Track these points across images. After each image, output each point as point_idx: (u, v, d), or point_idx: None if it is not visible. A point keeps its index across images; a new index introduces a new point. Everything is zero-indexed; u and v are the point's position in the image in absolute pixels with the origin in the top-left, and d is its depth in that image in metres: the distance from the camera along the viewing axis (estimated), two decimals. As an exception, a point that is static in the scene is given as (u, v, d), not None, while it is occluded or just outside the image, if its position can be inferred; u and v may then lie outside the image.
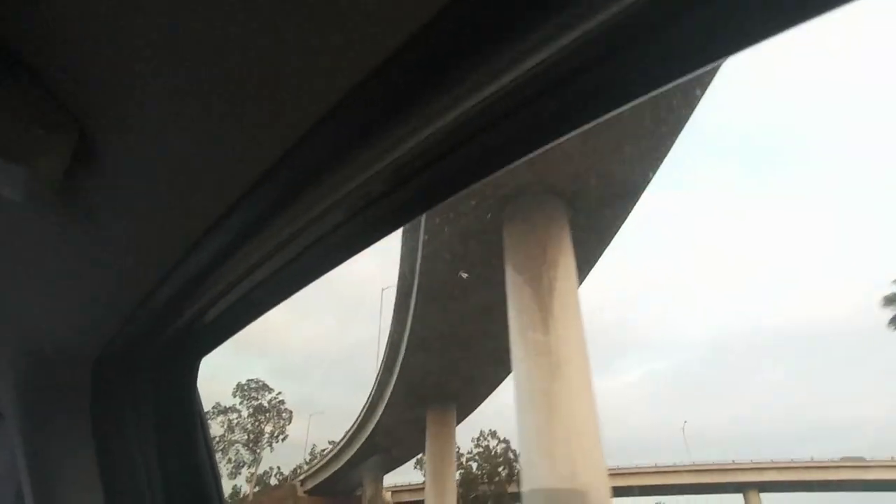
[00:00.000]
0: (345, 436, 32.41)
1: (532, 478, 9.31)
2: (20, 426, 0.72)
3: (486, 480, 34.38)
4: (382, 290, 26.31)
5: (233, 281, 0.63)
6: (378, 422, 24.96)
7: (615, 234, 12.47)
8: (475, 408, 24.52)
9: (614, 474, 35.24)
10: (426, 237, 12.45)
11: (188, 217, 0.54)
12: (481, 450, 36.03)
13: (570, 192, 10.93)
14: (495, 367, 18.10)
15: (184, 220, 0.54)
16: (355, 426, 29.62)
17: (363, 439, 28.72)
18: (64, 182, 0.48)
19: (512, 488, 33.69)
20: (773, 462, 32.74)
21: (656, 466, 34.54)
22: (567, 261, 10.59)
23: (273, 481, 41.41)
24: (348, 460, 31.08)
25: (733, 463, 33.56)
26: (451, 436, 22.10)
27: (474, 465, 35.64)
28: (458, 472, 35.28)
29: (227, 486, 40.71)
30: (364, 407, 27.34)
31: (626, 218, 11.70)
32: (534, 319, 10.10)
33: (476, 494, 34.36)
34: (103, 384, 0.74)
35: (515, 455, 35.06)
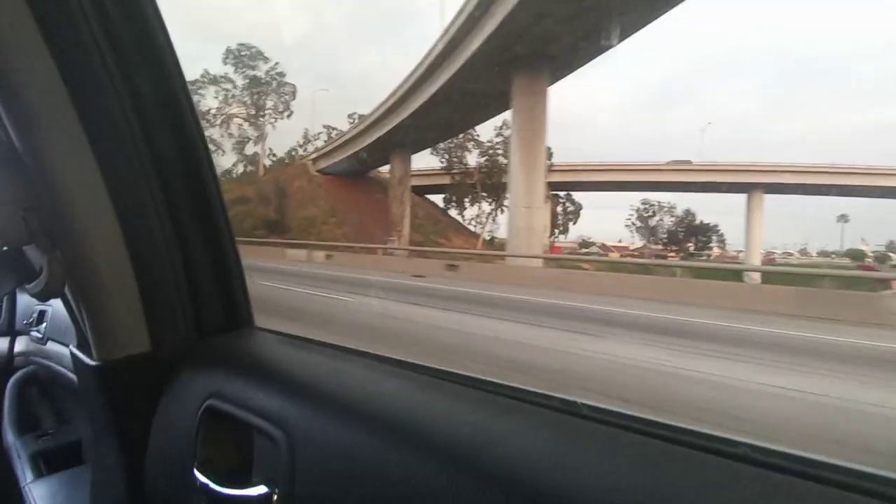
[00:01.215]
0: (371, 115, 29.37)
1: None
2: None
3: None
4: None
5: None
6: (431, 98, 21.63)
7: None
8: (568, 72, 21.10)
9: (626, 169, 36.40)
10: None
11: None
12: (502, 139, 34.60)
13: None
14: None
15: None
16: (391, 103, 26.26)
17: (395, 121, 25.82)
18: None
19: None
20: (778, 165, 33.89)
21: (670, 163, 35.11)
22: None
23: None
24: (375, 141, 28.83)
25: (737, 164, 34.58)
26: (543, 110, 19.22)
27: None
28: (485, 160, 34.61)
29: (228, 162, 38.85)
30: (411, 78, 23.49)
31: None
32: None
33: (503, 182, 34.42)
34: None
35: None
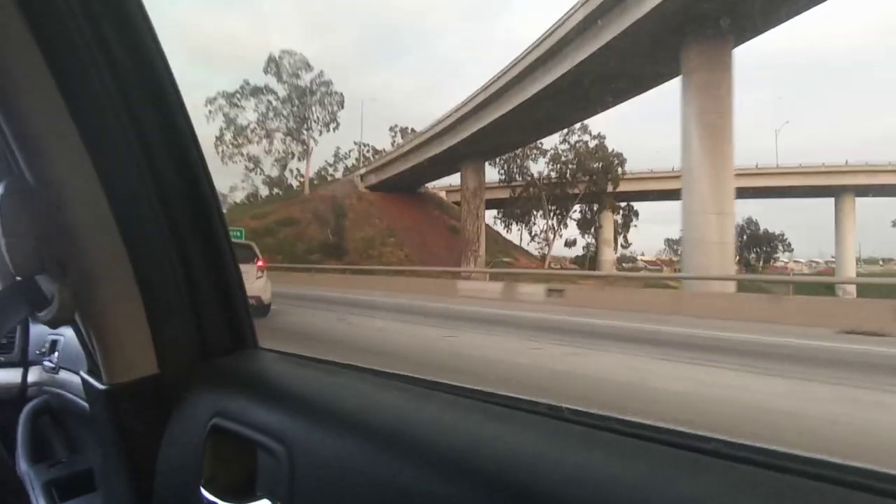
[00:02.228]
0: (438, 124, 26.40)
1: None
2: None
3: (583, 178, 30.93)
4: None
5: None
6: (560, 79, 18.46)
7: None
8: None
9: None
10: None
11: None
12: (568, 146, 31.63)
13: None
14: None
15: None
16: (469, 108, 23.29)
17: (475, 126, 22.79)
18: None
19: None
20: (870, 165, 31.06)
21: (749, 167, 32.16)
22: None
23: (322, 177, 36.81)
24: (445, 151, 25.78)
25: (825, 166, 31.73)
26: (730, 87, 15.41)
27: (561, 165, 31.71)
28: (551, 168, 31.59)
29: (267, 181, 35.60)
30: (505, 77, 20.54)
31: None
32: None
33: (574, 193, 31.36)
34: None
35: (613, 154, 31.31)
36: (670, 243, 50.05)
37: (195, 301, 0.73)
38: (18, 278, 0.67)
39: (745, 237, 43.37)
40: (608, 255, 34.82)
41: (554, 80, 18.32)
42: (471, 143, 24.62)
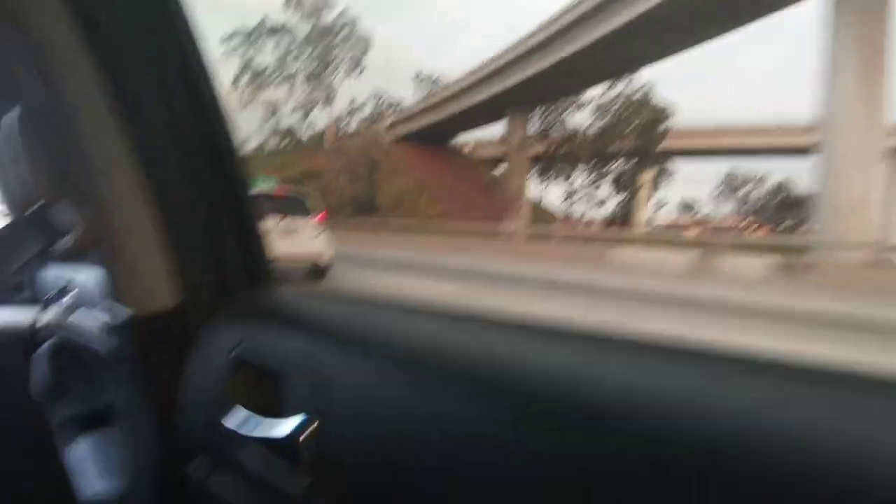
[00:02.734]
0: (482, 69, 24.06)
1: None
2: None
3: (628, 132, 28.91)
4: None
5: None
6: None
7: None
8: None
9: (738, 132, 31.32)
10: None
11: None
12: (614, 97, 29.43)
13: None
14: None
15: None
16: (523, 49, 20.98)
17: (531, 70, 20.53)
18: None
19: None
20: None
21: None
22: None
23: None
24: (490, 98, 23.57)
25: None
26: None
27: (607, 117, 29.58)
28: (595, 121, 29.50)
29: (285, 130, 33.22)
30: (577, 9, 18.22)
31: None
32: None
33: (616, 149, 29.38)
34: None
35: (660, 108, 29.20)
36: (685, 205, 48.63)
37: (214, 236, 0.73)
38: (34, 209, 0.68)
39: (779, 200, 41.90)
40: (643, 217, 33.29)
41: (651, 7, 16.00)
42: (522, 89, 22.43)
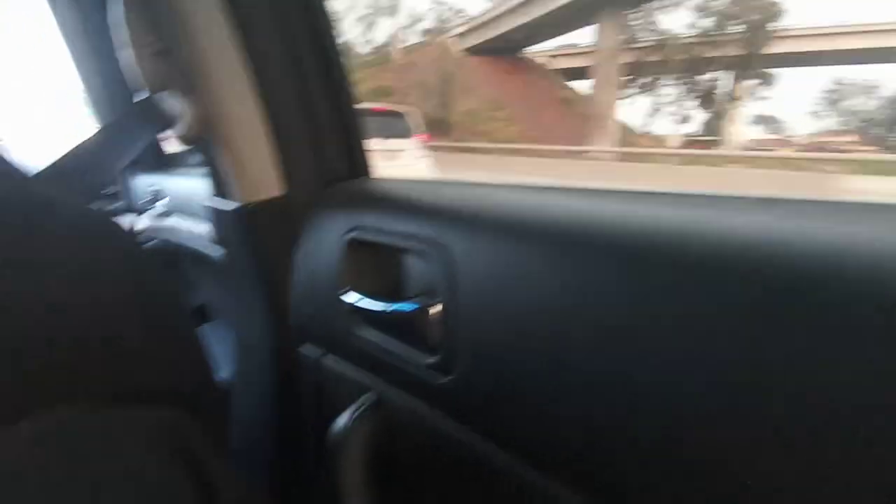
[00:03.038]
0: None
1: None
2: None
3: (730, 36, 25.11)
4: None
5: None
6: None
7: None
8: None
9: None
10: None
11: None
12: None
13: None
14: None
15: None
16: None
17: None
18: None
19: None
20: None
21: None
22: None
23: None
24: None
25: None
26: None
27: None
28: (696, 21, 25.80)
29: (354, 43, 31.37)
30: None
31: None
32: None
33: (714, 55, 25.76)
34: None
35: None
36: (786, 120, 43.49)
37: (316, 129, 0.74)
38: (145, 97, 0.68)
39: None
40: (743, 134, 29.87)
41: None
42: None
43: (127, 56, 0.64)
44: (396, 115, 8.58)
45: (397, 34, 31.36)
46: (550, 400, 0.40)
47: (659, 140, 29.05)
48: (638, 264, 0.36)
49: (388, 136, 7.95)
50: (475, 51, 28.32)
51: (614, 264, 0.37)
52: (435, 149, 8.25)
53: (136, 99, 0.69)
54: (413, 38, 33.52)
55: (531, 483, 0.43)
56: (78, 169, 0.66)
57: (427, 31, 33.12)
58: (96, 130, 0.68)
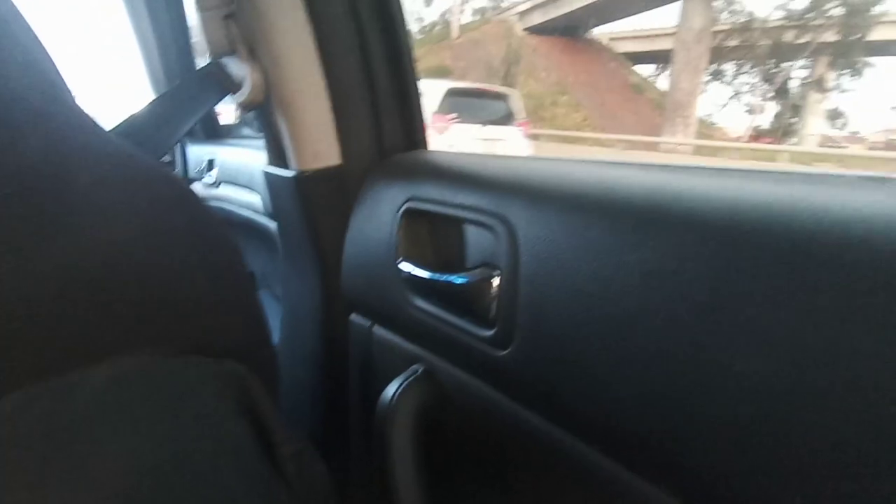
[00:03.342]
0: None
1: None
2: None
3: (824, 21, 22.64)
4: None
5: None
6: None
7: None
8: None
9: None
10: None
11: None
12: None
13: None
14: None
15: None
16: None
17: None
18: None
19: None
20: None
21: None
22: None
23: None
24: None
25: None
26: None
27: None
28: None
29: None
30: None
31: None
32: None
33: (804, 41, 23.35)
34: None
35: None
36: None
37: (376, 100, 0.73)
38: (210, 61, 0.69)
39: None
40: (818, 128, 27.29)
41: None
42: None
43: (195, 20, 0.63)
44: (498, 95, 7.37)
45: (455, 9, 29.70)
46: (616, 380, 0.38)
47: (735, 134, 26.82)
48: (722, 241, 0.34)
49: (486, 122, 6.77)
50: (537, 30, 26.54)
51: (694, 241, 0.35)
52: (535, 137, 6.98)
53: (197, 66, 0.68)
54: (471, 16, 31.91)
55: (588, 463, 0.42)
56: (143, 132, 0.65)
57: (486, 8, 31.41)
58: (160, 95, 0.68)
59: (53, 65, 0.36)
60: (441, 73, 24.15)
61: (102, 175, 0.32)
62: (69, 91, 0.37)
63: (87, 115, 0.36)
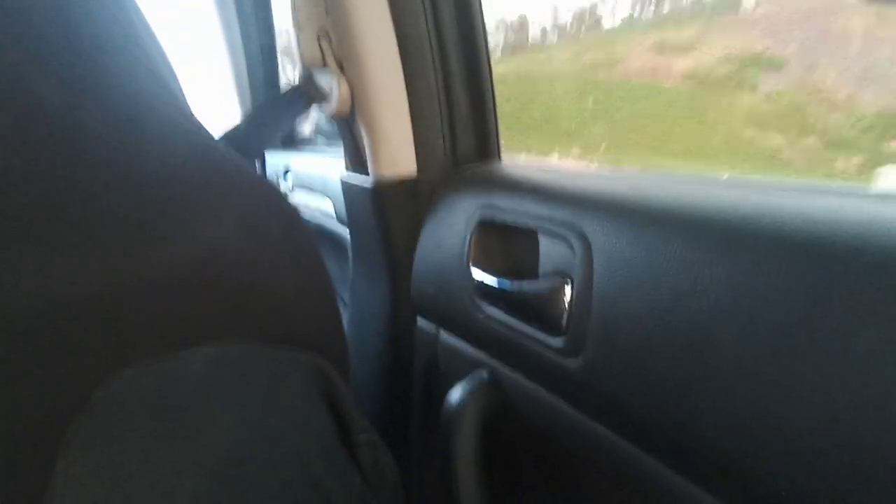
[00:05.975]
0: None
1: None
2: None
3: None
4: None
5: None
6: None
7: None
8: None
9: None
10: None
11: None
12: None
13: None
14: None
15: None
16: None
17: None
18: None
19: None
20: None
21: None
22: None
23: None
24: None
25: None
26: None
27: None
28: None
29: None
30: None
31: None
32: None
33: None
34: None
35: None
36: None
37: (453, 113, 0.76)
38: (302, 74, 0.74)
39: None
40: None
41: None
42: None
43: (290, 35, 0.70)
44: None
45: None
46: (692, 397, 0.38)
47: None
48: (813, 261, 0.34)
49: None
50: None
51: (783, 259, 0.35)
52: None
53: (285, 79, 0.74)
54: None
55: (658, 479, 0.41)
56: (242, 139, 0.70)
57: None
58: (257, 105, 0.74)
59: (174, 73, 0.39)
60: (769, 64, 21.88)
61: (210, 180, 0.35)
62: (186, 100, 0.39)
63: (200, 124, 0.38)
